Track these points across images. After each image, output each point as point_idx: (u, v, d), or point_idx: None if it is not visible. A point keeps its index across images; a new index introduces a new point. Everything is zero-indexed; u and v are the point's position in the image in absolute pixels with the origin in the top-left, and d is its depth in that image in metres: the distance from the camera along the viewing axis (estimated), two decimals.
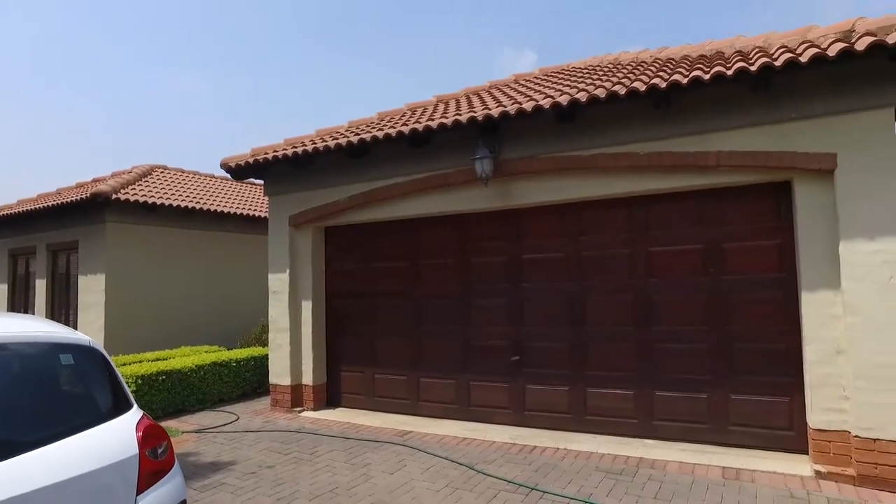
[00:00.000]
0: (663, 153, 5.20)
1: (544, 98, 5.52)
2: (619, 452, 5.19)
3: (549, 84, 6.74)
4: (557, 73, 7.75)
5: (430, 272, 6.90)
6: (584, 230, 5.95)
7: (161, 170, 12.33)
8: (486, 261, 6.50)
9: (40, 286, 11.10)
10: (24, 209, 10.47)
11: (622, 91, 4.95)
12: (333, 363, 7.58)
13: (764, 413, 5.02)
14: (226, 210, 10.98)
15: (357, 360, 7.38)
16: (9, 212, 10.90)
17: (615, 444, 5.42)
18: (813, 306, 4.64)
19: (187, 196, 10.95)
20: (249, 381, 8.42)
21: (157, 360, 8.00)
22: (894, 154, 4.28)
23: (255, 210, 11.80)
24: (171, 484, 2.85)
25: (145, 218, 10.05)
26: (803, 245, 4.70)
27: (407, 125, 6.18)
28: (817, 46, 4.36)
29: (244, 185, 13.81)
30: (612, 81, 5.45)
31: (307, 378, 7.43)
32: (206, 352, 8.72)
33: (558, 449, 5.41)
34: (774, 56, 4.51)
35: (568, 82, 6.42)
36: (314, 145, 6.72)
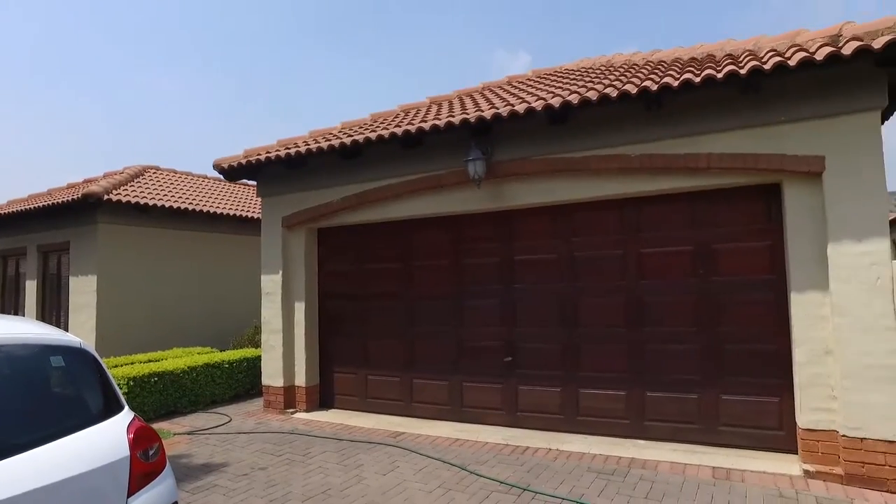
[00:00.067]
0: (654, 155, 5.23)
1: (536, 100, 5.55)
2: (610, 453, 5.22)
3: (541, 86, 6.77)
4: (550, 74, 7.79)
5: (422, 273, 6.91)
6: (576, 231, 5.98)
7: (153, 170, 12.27)
8: (478, 262, 6.52)
9: (31, 287, 11.02)
10: (15, 210, 10.39)
11: (613, 93, 4.99)
12: (326, 364, 7.58)
13: (754, 413, 5.07)
14: (218, 211, 10.94)
15: (350, 362, 7.38)
16: None
17: (607, 444, 5.45)
18: (802, 307, 4.68)
19: (180, 197, 10.92)
20: (242, 383, 8.40)
21: (150, 361, 7.97)
22: (881, 157, 4.34)
23: (248, 211, 11.77)
24: (162, 486, 2.85)
25: (137, 219, 10.01)
26: (792, 247, 4.75)
27: (400, 127, 6.19)
28: (805, 50, 4.41)
29: (237, 185, 13.78)
30: (603, 84, 5.49)
31: (300, 379, 7.42)
32: (198, 353, 8.70)
33: (550, 449, 5.43)
34: (764, 59, 4.56)
35: (560, 84, 6.45)
36: (307, 146, 6.71)
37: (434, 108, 7.36)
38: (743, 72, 4.42)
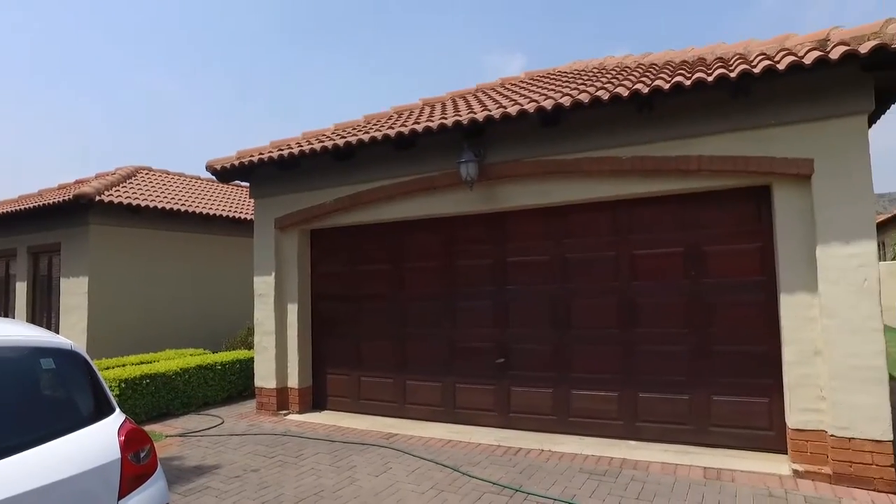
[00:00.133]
0: (646, 157, 5.27)
1: (529, 102, 5.58)
2: (602, 454, 5.25)
3: (534, 88, 6.80)
4: (543, 77, 7.82)
5: (415, 275, 6.93)
6: (568, 233, 6.01)
7: (146, 171, 12.23)
8: (471, 263, 6.54)
9: (21, 289, 10.95)
10: (5, 211, 10.32)
11: (605, 96, 5.02)
12: (319, 366, 7.57)
13: (744, 414, 5.11)
14: (211, 212, 10.91)
15: (343, 363, 7.38)
16: None
17: (599, 445, 5.47)
18: (791, 308, 4.73)
19: (172, 198, 10.87)
20: (235, 385, 8.37)
21: (141, 363, 7.93)
22: (868, 160, 4.39)
23: (241, 212, 11.74)
24: (153, 488, 2.85)
25: (129, 220, 9.96)
26: (782, 248, 4.79)
27: (393, 128, 6.20)
28: (794, 54, 4.45)
29: (230, 186, 13.74)
30: (595, 86, 5.52)
31: (293, 381, 7.41)
32: (190, 355, 8.67)
33: (543, 450, 5.45)
34: (753, 63, 4.60)
35: (553, 87, 6.49)
36: (300, 148, 6.71)
37: (427, 110, 7.38)
38: (733, 75, 4.46)
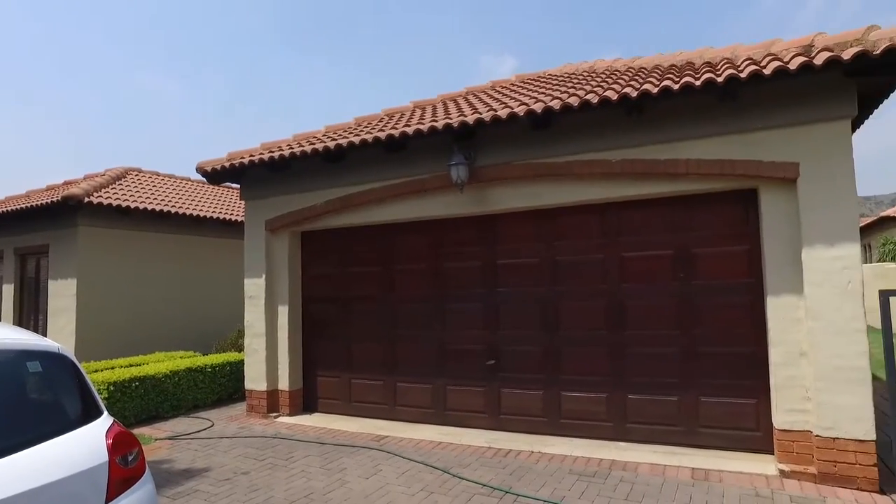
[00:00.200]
0: (635, 160, 5.31)
1: (519, 105, 5.61)
2: (592, 455, 5.28)
3: (525, 91, 6.84)
4: (534, 80, 7.87)
5: (406, 277, 6.94)
6: (558, 236, 6.04)
7: (136, 172, 12.16)
8: (461, 266, 6.56)
9: (7, 291, 10.84)
10: None
11: (595, 99, 5.06)
12: (310, 368, 7.56)
13: (732, 415, 5.16)
14: (202, 214, 10.86)
15: (333, 365, 7.37)
16: None
17: (589, 446, 5.51)
18: (778, 310, 4.78)
19: (162, 199, 10.81)
20: (225, 387, 8.34)
21: (131, 365, 7.88)
22: (851, 164, 4.46)
23: (232, 214, 11.69)
24: (141, 491, 2.84)
25: (119, 221, 9.90)
26: (769, 251, 4.85)
27: (384, 131, 6.22)
28: (780, 59, 4.51)
29: (221, 188, 13.69)
30: (585, 90, 5.56)
31: (283, 383, 7.39)
32: (180, 357, 8.63)
33: (533, 452, 5.47)
34: (740, 68, 4.66)
35: (543, 90, 6.53)
36: (291, 150, 6.71)
37: (418, 113, 7.40)
38: (720, 79, 4.52)
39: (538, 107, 5.32)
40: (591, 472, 4.89)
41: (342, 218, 7.09)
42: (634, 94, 4.85)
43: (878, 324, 4.44)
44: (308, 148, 6.55)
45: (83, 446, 2.67)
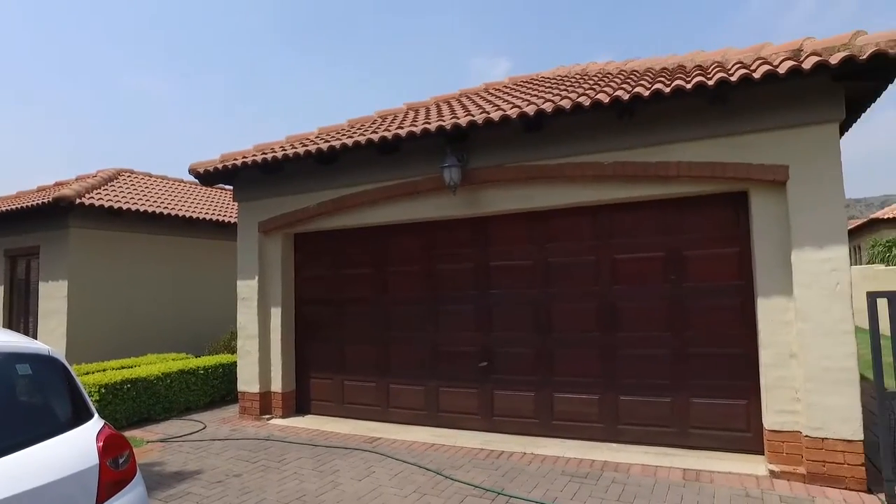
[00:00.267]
0: (627, 163, 5.35)
1: (511, 108, 5.63)
2: (584, 456, 5.30)
3: (517, 93, 6.87)
4: (527, 82, 7.90)
5: (399, 279, 6.94)
6: (550, 238, 6.07)
7: (128, 174, 12.10)
8: (454, 268, 6.57)
9: None
10: None
11: (586, 102, 5.09)
12: (303, 370, 7.55)
13: (723, 416, 5.19)
14: (194, 215, 10.82)
15: (326, 367, 7.36)
16: None
17: (581, 448, 5.53)
18: (768, 312, 4.82)
19: (155, 201, 10.77)
20: (218, 389, 8.31)
21: (122, 368, 7.84)
22: (839, 167, 4.51)
23: (225, 215, 11.66)
24: (132, 494, 2.83)
25: (111, 223, 9.85)
26: (759, 253, 4.89)
27: (376, 133, 6.22)
28: (769, 63, 4.56)
29: (214, 190, 13.64)
30: (577, 92, 5.59)
31: (276, 385, 7.38)
32: (172, 359, 8.59)
33: (525, 453, 5.49)
34: (731, 71, 4.70)
35: (536, 92, 6.55)
36: (283, 152, 6.70)
37: (411, 115, 7.41)
38: (710, 83, 4.56)
39: (530, 109, 5.34)
40: (583, 473, 4.91)
41: (335, 220, 7.09)
42: (626, 96, 4.89)
43: (867, 324, 4.48)
44: (301, 150, 6.55)
45: (73, 449, 2.66)
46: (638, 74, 6.01)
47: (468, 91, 8.29)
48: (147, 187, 11.64)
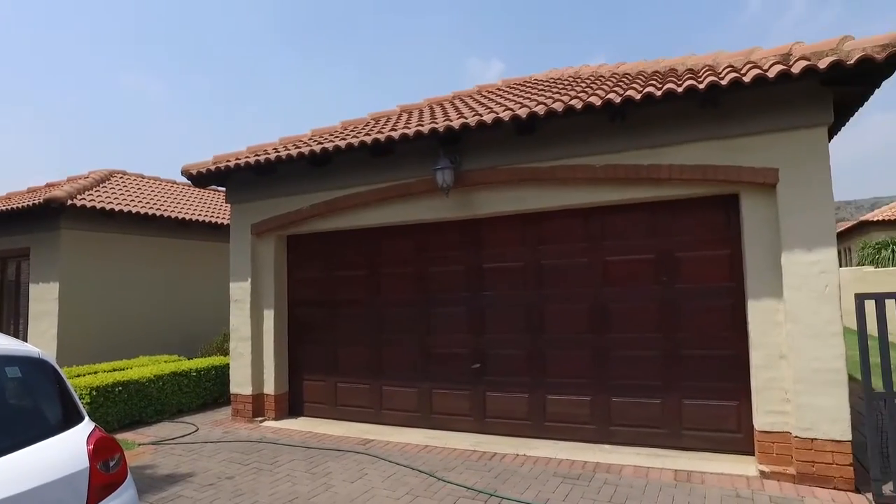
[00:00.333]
0: (618, 166, 5.38)
1: (504, 110, 5.65)
2: (576, 458, 5.32)
3: (510, 96, 6.89)
4: (520, 84, 7.93)
5: (392, 281, 6.94)
6: (543, 240, 6.09)
7: (120, 175, 12.03)
8: (447, 269, 6.59)
9: None
10: None
11: (579, 105, 5.12)
12: (295, 372, 7.53)
13: (714, 417, 5.23)
14: (187, 217, 10.78)
15: (319, 369, 7.35)
16: None
17: (573, 449, 5.55)
18: (758, 314, 4.86)
19: (147, 202, 10.71)
20: (210, 391, 8.28)
21: (114, 370, 7.80)
22: (828, 170, 4.55)
23: (218, 217, 11.61)
24: (123, 497, 2.82)
25: (103, 224, 9.79)
26: (749, 255, 4.93)
27: (369, 135, 6.23)
28: (759, 67, 4.60)
29: (207, 191, 13.58)
30: (569, 95, 5.62)
31: (269, 387, 7.36)
32: (165, 361, 8.55)
33: (518, 455, 5.50)
34: (721, 75, 4.74)
35: (529, 95, 6.58)
36: (276, 153, 6.70)
37: (404, 117, 7.42)
38: (701, 86, 4.59)
39: (523, 112, 5.36)
40: (575, 474, 4.93)
41: (328, 222, 7.09)
42: (618, 99, 4.92)
43: (855, 325, 4.53)
44: (294, 151, 6.54)
45: (63, 452, 2.65)
46: (630, 77, 6.05)
47: (461, 93, 8.31)
48: (139, 188, 11.58)
